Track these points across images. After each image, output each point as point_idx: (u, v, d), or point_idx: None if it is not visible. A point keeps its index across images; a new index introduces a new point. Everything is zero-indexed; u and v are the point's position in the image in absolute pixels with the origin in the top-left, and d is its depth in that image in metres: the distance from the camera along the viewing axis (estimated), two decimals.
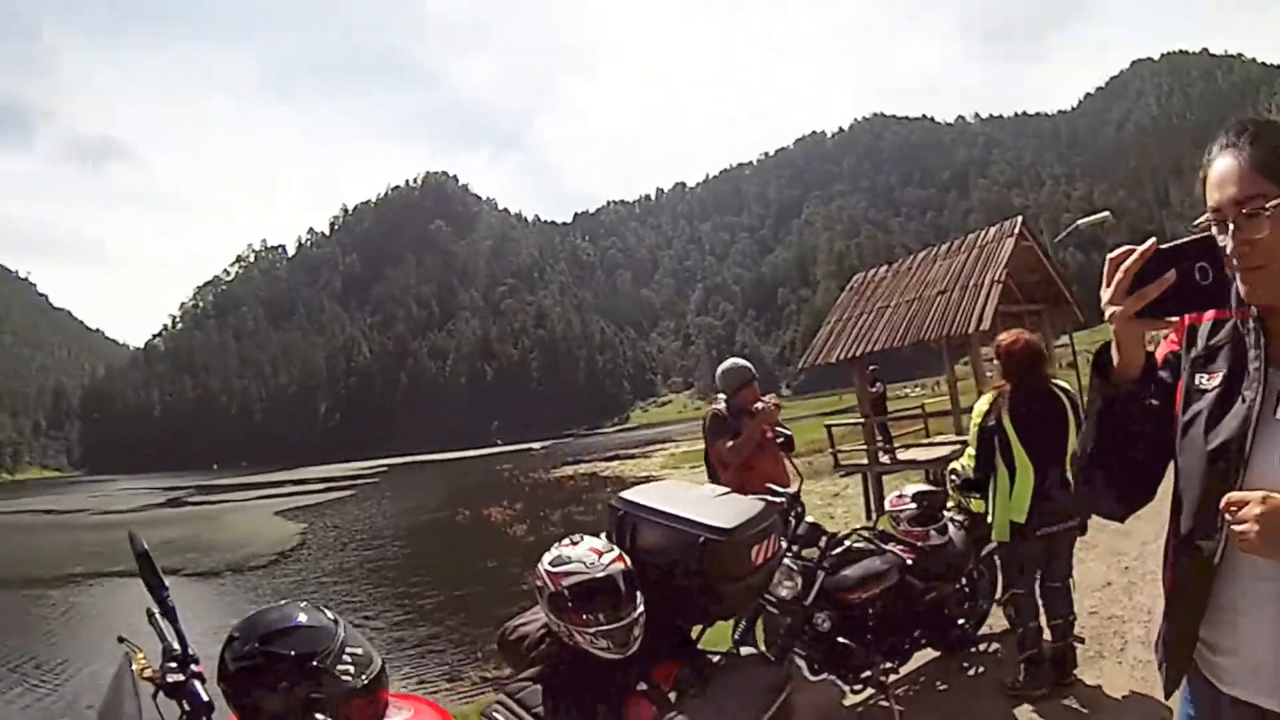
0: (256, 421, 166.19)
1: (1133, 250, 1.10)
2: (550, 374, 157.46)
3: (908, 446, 15.38)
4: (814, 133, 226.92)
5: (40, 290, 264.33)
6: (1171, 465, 1.38)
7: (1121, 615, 4.81)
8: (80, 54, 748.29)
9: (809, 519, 3.97)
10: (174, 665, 1.97)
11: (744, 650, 3.53)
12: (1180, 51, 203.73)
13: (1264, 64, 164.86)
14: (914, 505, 4.44)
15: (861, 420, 15.02)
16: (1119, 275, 1.17)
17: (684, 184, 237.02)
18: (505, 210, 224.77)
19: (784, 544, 3.57)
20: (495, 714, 2.53)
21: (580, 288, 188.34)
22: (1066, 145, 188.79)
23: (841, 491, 15.32)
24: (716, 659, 2.87)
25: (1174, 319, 1.32)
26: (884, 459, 13.83)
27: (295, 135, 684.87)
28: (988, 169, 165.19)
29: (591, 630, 2.58)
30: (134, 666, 1.97)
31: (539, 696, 2.61)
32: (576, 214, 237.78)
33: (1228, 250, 1.16)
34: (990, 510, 4.05)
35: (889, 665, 4.04)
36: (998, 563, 4.55)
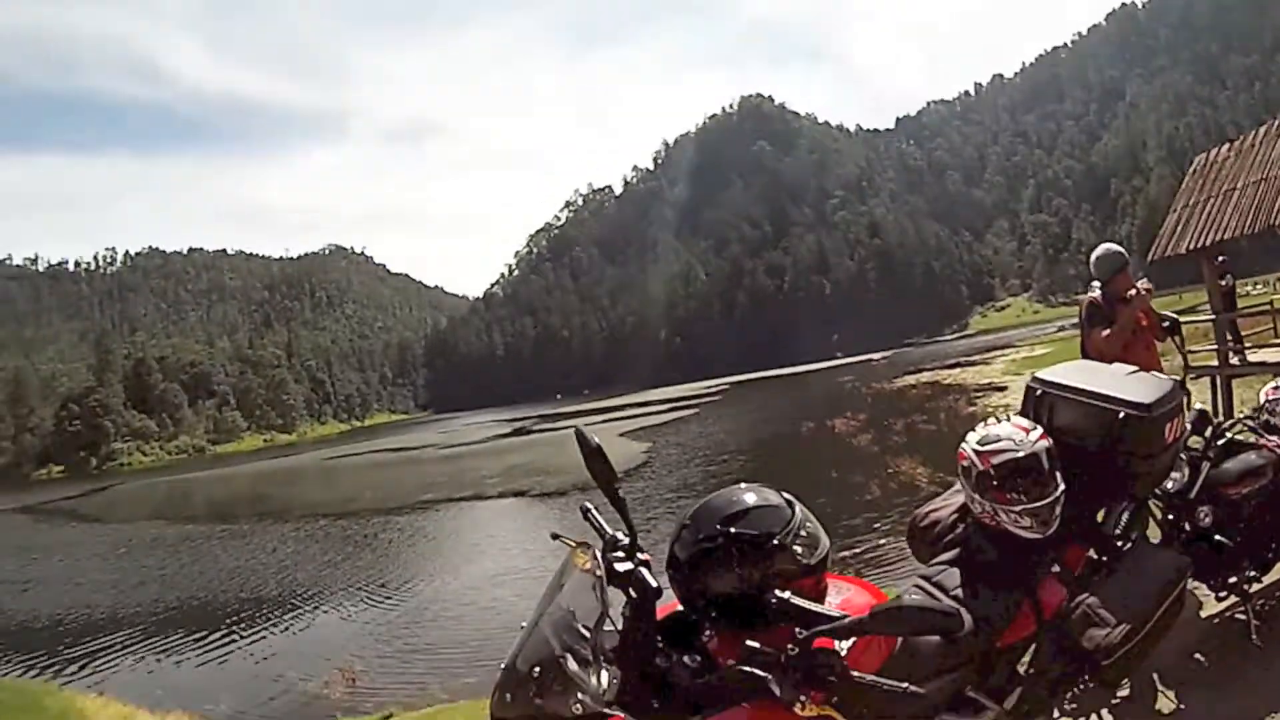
0: (598, 352, 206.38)
1: None
2: (887, 283, 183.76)
3: (1257, 347, 16.06)
4: (1124, 4, 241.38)
5: (377, 260, 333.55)
6: None
7: None
8: (379, 52, 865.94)
9: (1198, 405, 4.38)
10: (620, 555, 2.33)
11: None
12: None
13: None
14: None
15: (1211, 318, 15.48)
16: None
17: (1001, 75, 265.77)
18: (825, 123, 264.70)
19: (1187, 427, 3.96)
20: (912, 595, 2.92)
21: (910, 194, 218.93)
22: None
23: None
24: (1121, 545, 3.43)
25: None
26: (1234, 360, 14.60)
27: (604, 82, 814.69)
28: None
29: (1017, 509, 3.11)
30: (575, 561, 2.35)
31: (955, 579, 3.07)
32: (898, 119, 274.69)
33: None
34: None
35: (1253, 574, 4.36)
36: None
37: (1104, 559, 3.46)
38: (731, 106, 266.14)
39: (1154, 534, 4.41)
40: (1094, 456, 3.41)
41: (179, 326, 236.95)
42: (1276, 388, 4.79)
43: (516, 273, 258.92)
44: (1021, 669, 3.16)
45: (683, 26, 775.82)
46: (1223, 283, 17.08)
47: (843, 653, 2.18)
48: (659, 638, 2.35)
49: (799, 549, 2.31)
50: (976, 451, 3.25)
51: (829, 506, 17.49)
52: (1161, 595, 3.23)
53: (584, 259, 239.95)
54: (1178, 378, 4.39)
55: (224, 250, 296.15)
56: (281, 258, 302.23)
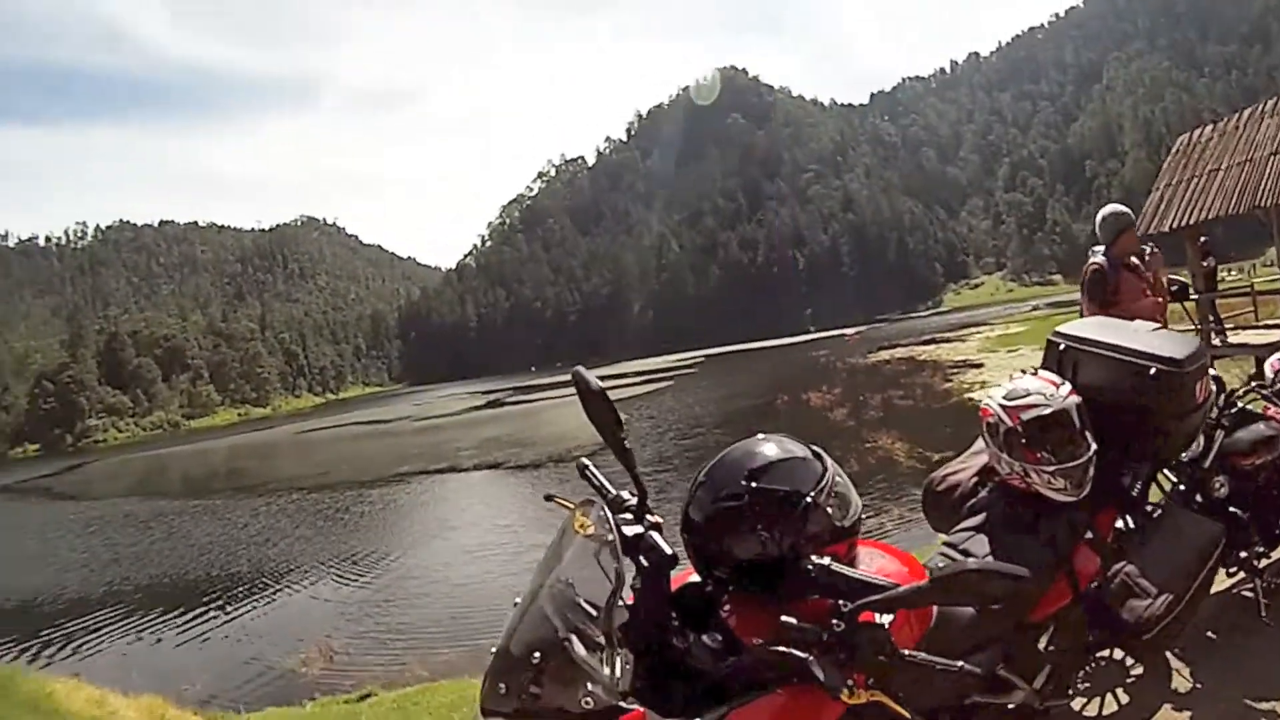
0: (571, 324, 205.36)
1: None
2: (861, 259, 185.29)
3: (1238, 329, 16.46)
4: None
5: (349, 231, 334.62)
6: None
7: None
8: (350, 17, 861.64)
9: (1211, 371, 3.84)
10: (628, 517, 2.08)
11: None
12: None
13: None
14: None
15: (1193, 298, 14.21)
16: None
17: (977, 54, 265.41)
18: (800, 97, 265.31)
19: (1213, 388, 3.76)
20: (938, 563, 2.68)
21: (885, 169, 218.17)
22: None
23: None
24: (1151, 510, 3.32)
25: None
26: (1215, 341, 14.84)
27: (579, 52, 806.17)
28: None
29: (1050, 469, 2.96)
30: (576, 525, 2.03)
31: (984, 546, 2.91)
32: (873, 94, 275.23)
33: None
34: None
35: (1261, 549, 4.27)
36: None
37: (1136, 525, 3.33)
38: (706, 78, 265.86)
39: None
40: (1121, 415, 3.25)
41: (152, 300, 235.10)
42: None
43: (489, 243, 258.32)
44: (1041, 645, 2.98)
45: None
46: (1205, 264, 17.13)
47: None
48: (673, 614, 2.07)
49: (831, 509, 2.03)
50: (1004, 407, 3.11)
51: None
52: (1200, 563, 3.20)
53: (557, 230, 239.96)
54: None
55: (195, 222, 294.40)
56: (253, 229, 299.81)
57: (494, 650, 1.84)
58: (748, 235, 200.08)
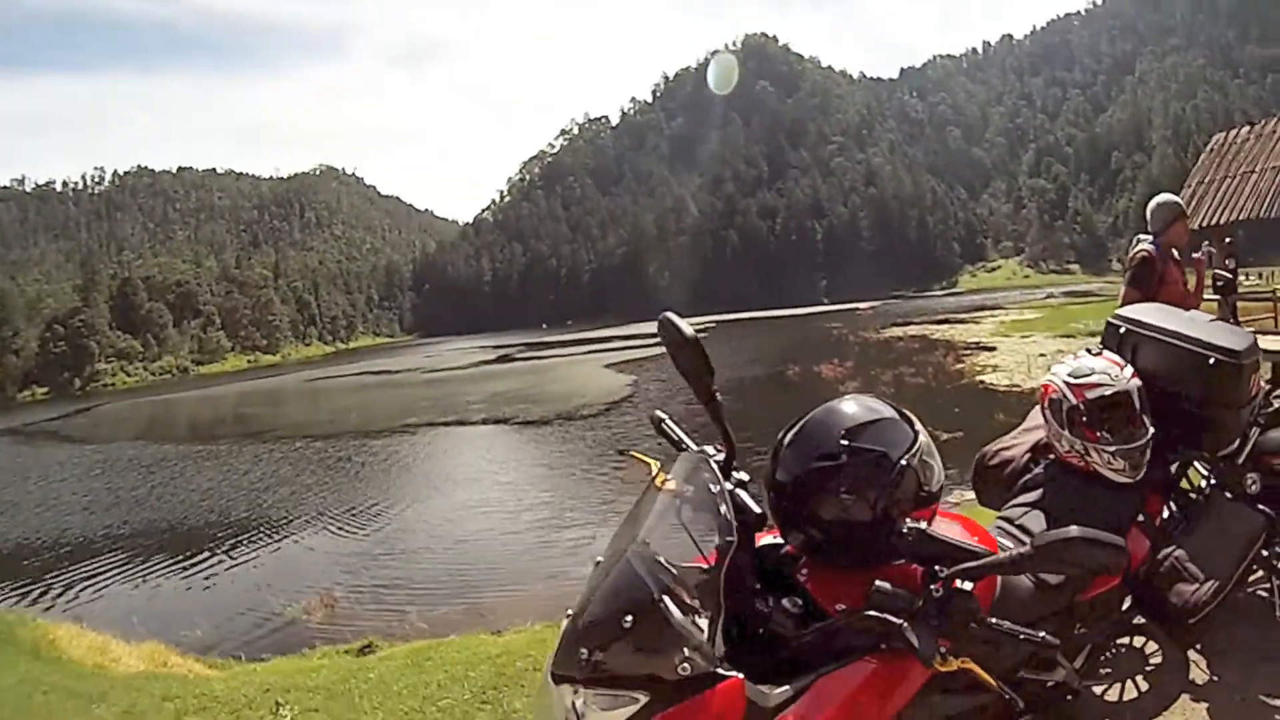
0: (586, 283, 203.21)
1: None
2: (880, 233, 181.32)
3: (1259, 334, 13.94)
4: None
5: (368, 182, 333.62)
6: None
7: None
8: None
9: None
10: (711, 475, 2.04)
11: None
12: None
13: None
14: None
15: (1215, 298, 14.22)
16: None
17: (1010, 36, 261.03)
18: (829, 68, 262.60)
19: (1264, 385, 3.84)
20: (997, 536, 2.71)
21: (909, 145, 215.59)
22: None
23: None
24: (1195, 497, 3.42)
25: None
26: None
27: (608, 12, 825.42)
28: None
29: (1111, 449, 3.03)
30: (659, 483, 2.03)
31: (1040, 522, 2.93)
32: (903, 69, 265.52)
33: None
34: None
35: (1279, 549, 4.25)
36: None
37: (1182, 513, 3.47)
38: (735, 44, 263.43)
39: None
40: (1176, 402, 3.29)
41: (166, 246, 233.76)
42: None
43: (508, 199, 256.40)
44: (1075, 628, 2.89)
45: None
46: (1229, 263, 16.52)
47: None
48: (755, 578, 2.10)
49: (922, 473, 2.05)
50: (1069, 384, 3.17)
51: None
52: (1245, 551, 3.33)
53: (577, 188, 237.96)
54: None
55: (214, 169, 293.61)
56: (271, 177, 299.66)
57: (573, 613, 1.85)
58: (768, 203, 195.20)
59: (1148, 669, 3.59)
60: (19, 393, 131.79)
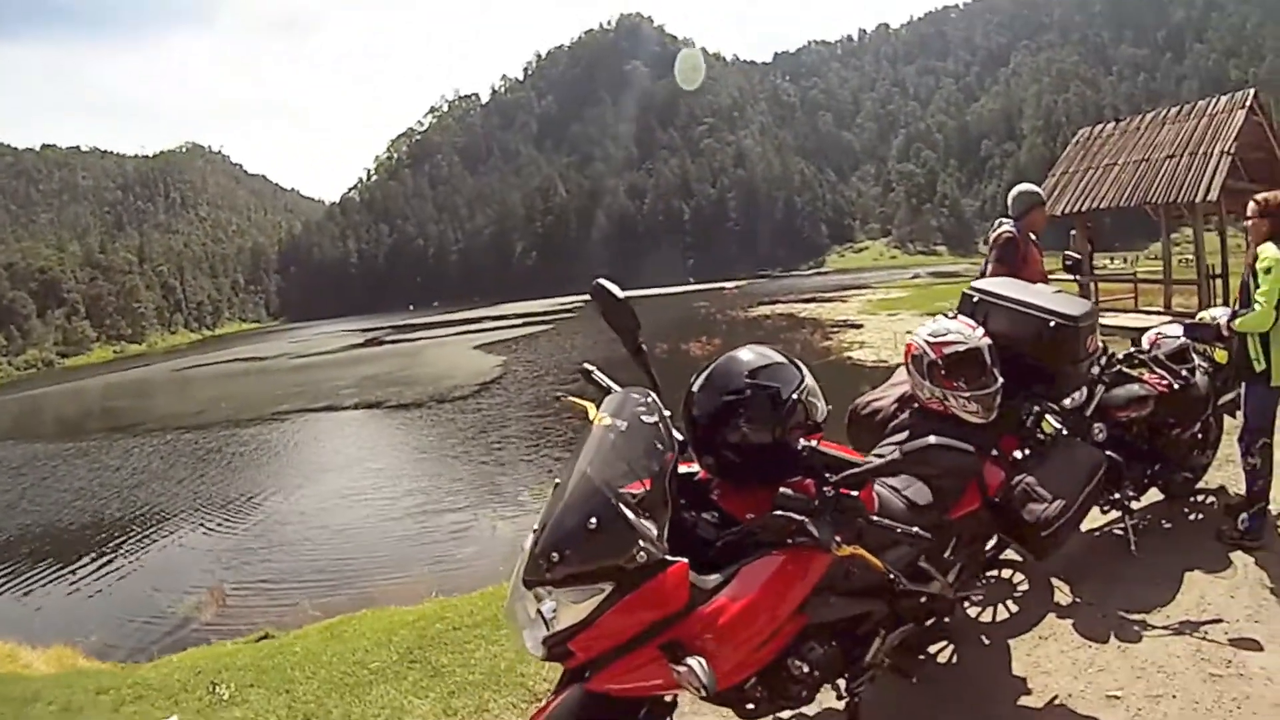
0: (453, 264, 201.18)
1: None
2: (748, 214, 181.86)
3: (1116, 312, 17.99)
4: None
5: (234, 160, 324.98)
6: None
7: None
8: None
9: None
10: (646, 407, 2.54)
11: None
12: None
13: None
14: (1175, 339, 5.54)
15: (1074, 279, 15.88)
16: None
17: (887, 25, 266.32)
18: (703, 49, 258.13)
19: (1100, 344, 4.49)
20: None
21: (780, 128, 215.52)
22: None
23: None
24: (1044, 439, 3.89)
25: None
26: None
27: None
28: (1204, 33, 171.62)
29: (965, 395, 3.64)
30: (594, 419, 2.51)
31: None
32: (776, 54, 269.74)
33: None
34: (1265, 358, 4.90)
35: (1132, 493, 5.18)
36: (1224, 418, 5.77)
37: (1032, 449, 3.94)
38: (609, 23, 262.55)
39: None
40: (1022, 359, 3.90)
41: (29, 230, 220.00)
42: (1159, 333, 5.62)
43: (375, 178, 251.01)
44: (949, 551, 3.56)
45: None
46: (1089, 246, 18.46)
47: None
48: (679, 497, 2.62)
49: (808, 407, 2.66)
50: (928, 342, 3.78)
51: None
52: (1088, 478, 3.92)
53: (445, 167, 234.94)
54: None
55: (78, 147, 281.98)
56: (137, 155, 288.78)
57: (540, 527, 2.26)
58: (636, 183, 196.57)
59: (1016, 594, 4.69)
60: None
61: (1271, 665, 3.74)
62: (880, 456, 3.22)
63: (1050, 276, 6.69)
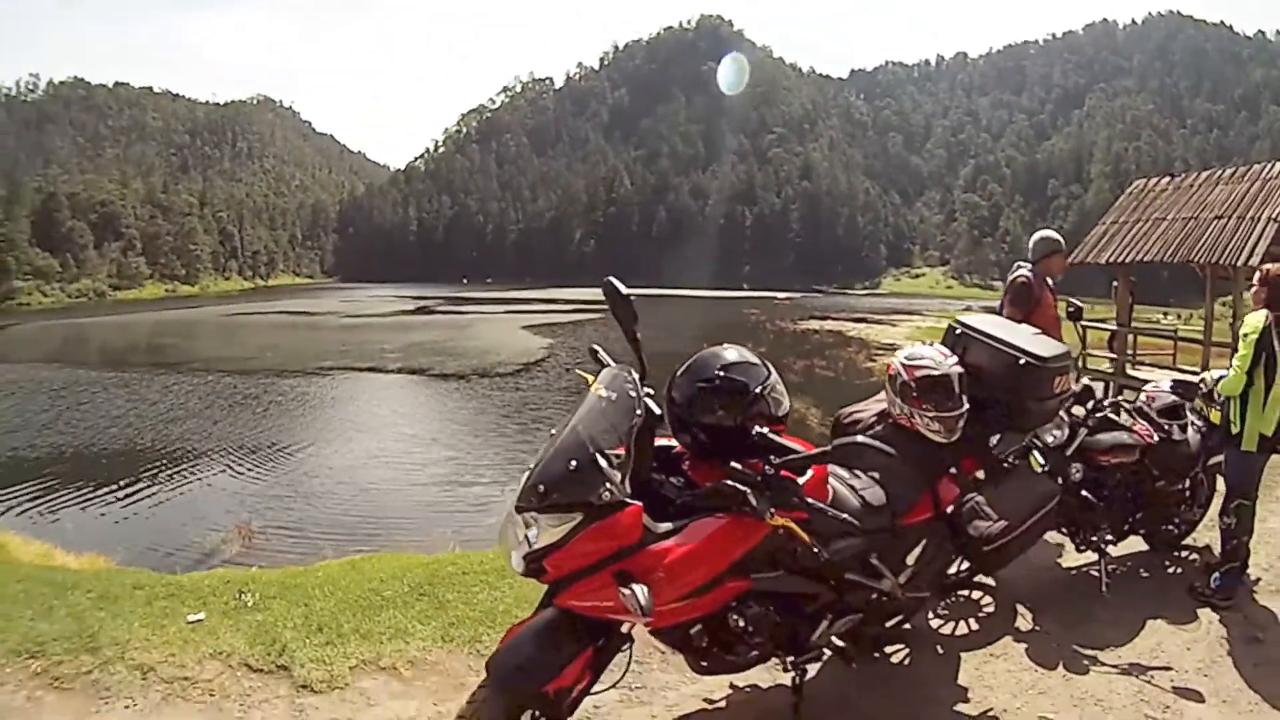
0: (510, 243, 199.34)
1: None
2: (808, 227, 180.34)
3: (1154, 366, 18.15)
4: (1105, 20, 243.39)
5: (304, 117, 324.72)
6: None
7: None
8: None
9: (1084, 380, 5.54)
10: (631, 384, 3.01)
11: None
12: None
13: None
14: (1169, 394, 5.79)
15: (1113, 329, 16.89)
16: None
17: (965, 54, 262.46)
18: (780, 59, 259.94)
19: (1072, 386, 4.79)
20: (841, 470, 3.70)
21: (850, 145, 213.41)
22: None
23: None
24: (1005, 465, 4.33)
25: None
26: (1130, 371, 16.88)
27: None
28: None
29: (930, 415, 3.92)
30: (591, 388, 3.03)
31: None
32: (852, 70, 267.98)
33: None
34: (1240, 421, 5.07)
35: (1110, 538, 5.33)
36: (1218, 477, 5.74)
37: (992, 473, 4.32)
38: (689, 22, 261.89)
39: None
40: (994, 391, 4.19)
41: (95, 163, 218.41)
42: (1156, 387, 5.87)
43: (442, 150, 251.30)
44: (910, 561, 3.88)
45: None
46: (1130, 299, 18.69)
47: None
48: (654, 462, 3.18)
49: (771, 401, 3.12)
50: (904, 365, 4.06)
51: None
52: (1035, 506, 4.18)
53: (512, 146, 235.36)
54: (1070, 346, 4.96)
55: (150, 88, 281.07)
56: (208, 102, 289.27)
57: (534, 465, 2.75)
58: (700, 184, 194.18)
59: (980, 614, 4.96)
60: None
61: (1208, 718, 3.93)
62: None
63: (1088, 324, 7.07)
